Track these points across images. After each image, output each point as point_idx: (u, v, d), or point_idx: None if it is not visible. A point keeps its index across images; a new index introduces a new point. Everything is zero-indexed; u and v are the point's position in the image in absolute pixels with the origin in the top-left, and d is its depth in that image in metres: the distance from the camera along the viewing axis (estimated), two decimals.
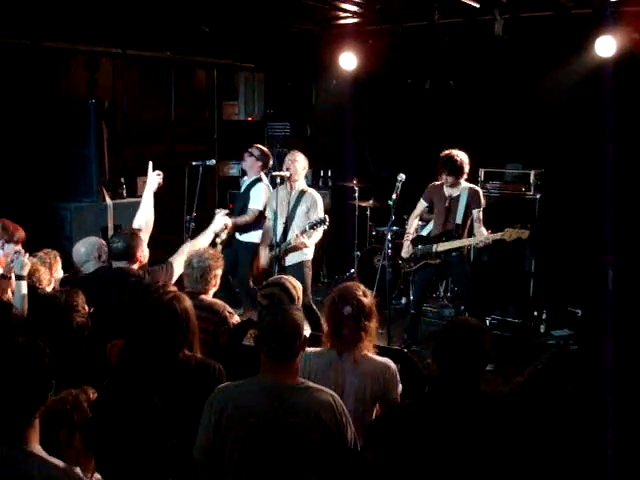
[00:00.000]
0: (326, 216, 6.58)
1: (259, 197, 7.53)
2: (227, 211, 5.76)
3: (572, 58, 7.75)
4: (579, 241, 7.95)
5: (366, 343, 3.83)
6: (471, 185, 7.02)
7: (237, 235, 7.60)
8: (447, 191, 6.97)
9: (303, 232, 6.52)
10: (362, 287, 3.97)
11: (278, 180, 6.80)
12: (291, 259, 6.82)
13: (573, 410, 5.51)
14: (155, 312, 3.61)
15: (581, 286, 7.88)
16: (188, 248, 5.09)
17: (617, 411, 5.05)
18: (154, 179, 5.65)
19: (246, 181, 7.86)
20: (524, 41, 8.05)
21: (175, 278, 4.99)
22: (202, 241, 5.37)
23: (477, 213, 6.87)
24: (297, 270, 6.77)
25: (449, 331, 3.18)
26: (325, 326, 3.98)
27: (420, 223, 7.55)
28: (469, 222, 6.90)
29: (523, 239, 6.64)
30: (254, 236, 7.55)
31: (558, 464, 4.60)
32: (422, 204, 7.20)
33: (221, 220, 5.64)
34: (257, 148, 7.77)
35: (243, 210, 7.59)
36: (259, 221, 7.50)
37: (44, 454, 2.41)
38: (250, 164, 7.75)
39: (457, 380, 2.99)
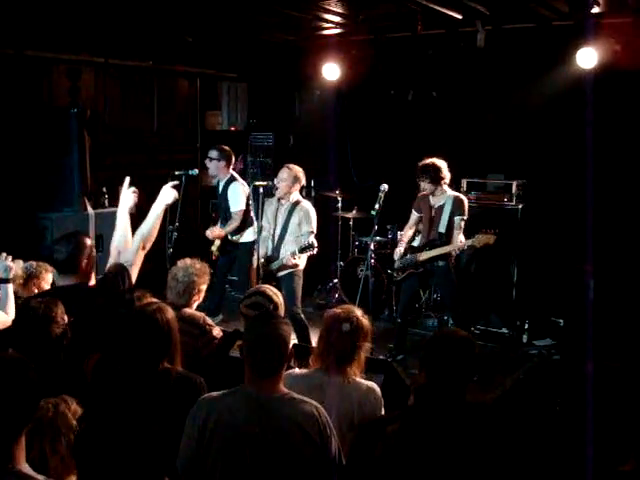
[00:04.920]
0: (311, 238, 6.60)
1: (237, 198, 7.49)
2: (176, 182, 4.78)
3: (554, 69, 7.79)
4: (561, 251, 7.98)
5: (354, 368, 3.82)
6: (456, 194, 7.05)
7: (232, 238, 7.57)
8: (432, 200, 7.00)
9: (293, 254, 6.56)
10: (361, 311, 3.98)
11: (261, 190, 6.79)
12: (284, 270, 6.88)
13: (555, 420, 5.52)
14: (137, 323, 3.59)
15: (563, 296, 7.91)
16: (140, 233, 4.43)
17: (599, 421, 5.06)
18: (129, 197, 4.73)
19: (220, 184, 7.75)
20: (506, 52, 8.09)
21: (137, 269, 4.40)
22: (152, 215, 4.54)
23: (458, 221, 6.88)
24: (288, 280, 6.84)
25: (438, 341, 3.19)
26: (318, 343, 3.94)
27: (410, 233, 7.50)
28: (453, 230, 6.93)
29: (490, 244, 6.67)
30: (247, 235, 7.59)
31: (541, 474, 4.60)
32: (414, 215, 7.24)
33: (170, 193, 4.63)
34: (214, 149, 7.64)
35: (227, 216, 7.57)
36: (246, 220, 7.53)
37: (31, 472, 2.36)
38: (214, 168, 7.63)
39: (444, 390, 2.99)
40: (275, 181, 6.98)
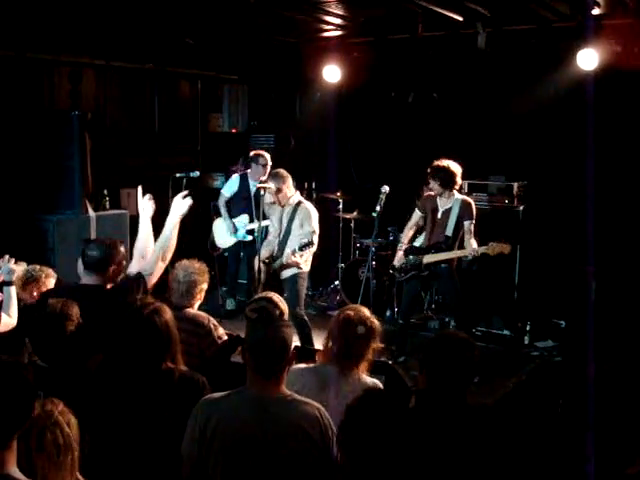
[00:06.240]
0: (314, 238, 6.58)
1: None
2: (185, 192, 4.88)
3: (554, 71, 7.80)
4: (563, 252, 7.98)
5: (362, 366, 3.84)
6: (464, 197, 6.99)
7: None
8: (440, 203, 6.94)
9: (293, 252, 6.54)
10: (368, 310, 4.01)
11: (262, 192, 6.80)
12: (287, 272, 6.83)
13: (557, 422, 5.51)
14: (135, 325, 3.59)
15: (565, 297, 7.90)
16: (159, 244, 4.58)
17: (600, 422, 5.06)
18: (147, 205, 4.85)
19: (255, 185, 7.97)
20: (507, 54, 8.10)
21: (155, 279, 4.55)
22: (168, 227, 4.67)
23: (468, 225, 6.83)
24: (292, 282, 6.81)
25: (438, 343, 3.19)
26: (330, 343, 3.93)
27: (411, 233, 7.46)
28: (460, 234, 6.89)
29: (505, 254, 6.64)
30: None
31: (542, 476, 4.60)
32: (417, 214, 7.15)
33: (183, 203, 4.78)
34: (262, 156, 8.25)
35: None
36: None
37: (21, 476, 2.34)
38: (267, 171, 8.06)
39: (445, 392, 2.99)
40: (269, 198, 6.95)
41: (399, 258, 7.17)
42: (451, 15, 7.52)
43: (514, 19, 7.79)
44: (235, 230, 8.52)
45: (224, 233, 8.61)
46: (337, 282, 9.37)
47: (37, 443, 2.56)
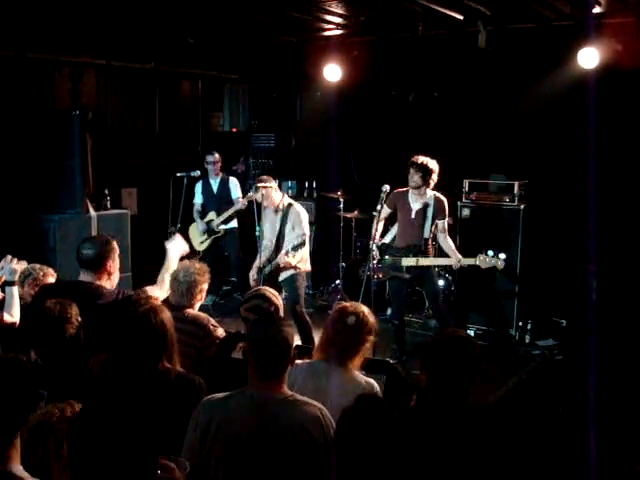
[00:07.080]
0: (304, 238, 6.56)
1: (239, 188, 8.84)
2: (186, 247, 5.28)
3: (555, 70, 7.79)
4: (563, 251, 7.97)
5: (356, 360, 3.82)
6: (437, 194, 6.92)
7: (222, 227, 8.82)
8: (412, 199, 6.89)
9: (287, 253, 6.52)
10: (368, 309, 4.01)
11: (264, 192, 6.78)
12: (285, 273, 6.83)
13: (558, 420, 5.51)
14: (131, 324, 3.55)
15: (566, 296, 7.89)
16: (167, 280, 4.81)
17: (601, 421, 5.06)
18: (181, 244, 5.18)
19: (215, 181, 8.91)
20: (507, 53, 8.09)
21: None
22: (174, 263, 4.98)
23: (442, 223, 6.81)
24: (291, 282, 6.81)
25: (439, 342, 3.18)
26: (322, 335, 3.94)
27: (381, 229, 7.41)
28: (434, 232, 6.87)
29: (498, 269, 6.66)
30: (233, 222, 8.90)
31: (543, 475, 4.60)
32: (385, 210, 7.00)
33: (181, 245, 5.14)
34: (215, 153, 8.88)
35: (223, 205, 8.75)
36: None
37: (25, 474, 2.33)
38: (218, 167, 8.88)
39: (446, 391, 2.99)
40: (265, 203, 6.93)
41: (377, 257, 7.13)
42: (451, 14, 7.52)
43: (515, 18, 7.79)
44: (207, 229, 8.84)
45: (199, 236, 8.89)
46: (338, 281, 9.37)
47: (54, 451, 2.55)
